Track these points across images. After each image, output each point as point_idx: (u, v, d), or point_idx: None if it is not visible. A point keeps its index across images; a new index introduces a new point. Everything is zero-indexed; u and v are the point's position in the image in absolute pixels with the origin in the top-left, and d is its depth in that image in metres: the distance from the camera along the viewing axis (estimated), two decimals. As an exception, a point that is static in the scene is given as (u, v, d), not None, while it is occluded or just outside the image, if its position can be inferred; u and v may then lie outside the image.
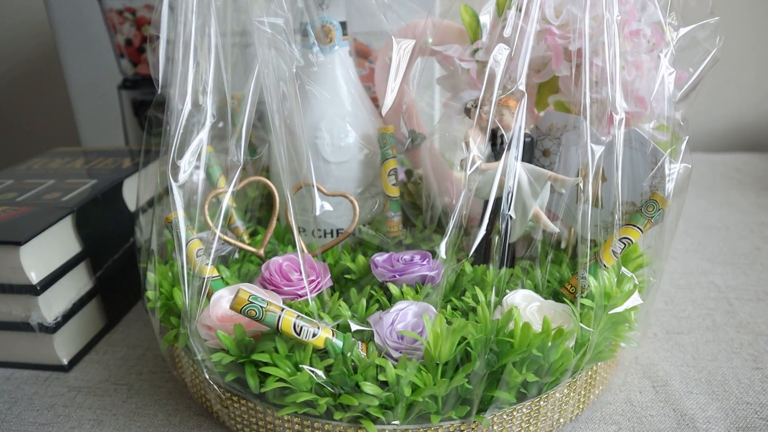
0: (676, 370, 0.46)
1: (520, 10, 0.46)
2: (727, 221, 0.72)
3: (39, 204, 0.51)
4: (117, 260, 0.55)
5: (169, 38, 0.44)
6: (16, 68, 0.98)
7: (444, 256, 0.39)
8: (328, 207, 0.46)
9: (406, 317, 0.40)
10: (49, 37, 0.72)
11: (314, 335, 0.36)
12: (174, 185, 0.39)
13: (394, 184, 0.52)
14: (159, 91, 0.44)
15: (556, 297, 0.44)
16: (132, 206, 0.58)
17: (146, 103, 0.72)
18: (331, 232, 0.54)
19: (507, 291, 0.43)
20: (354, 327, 0.38)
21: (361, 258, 0.49)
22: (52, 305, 0.48)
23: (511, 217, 0.41)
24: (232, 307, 0.35)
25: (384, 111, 0.48)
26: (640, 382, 0.45)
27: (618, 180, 0.42)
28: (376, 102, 0.57)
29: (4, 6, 0.92)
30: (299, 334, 0.36)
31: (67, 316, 0.48)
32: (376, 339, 0.38)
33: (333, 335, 0.37)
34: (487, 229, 0.44)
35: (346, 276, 0.48)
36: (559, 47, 0.46)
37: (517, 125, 0.41)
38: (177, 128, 0.40)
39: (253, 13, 0.44)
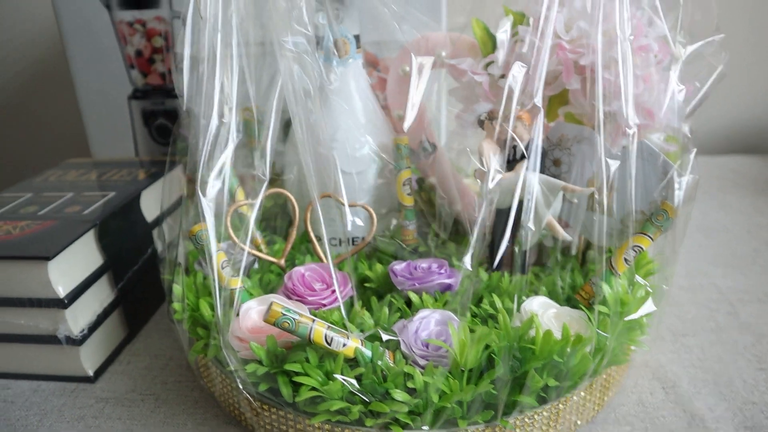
0: (683, 372, 0.48)
1: (536, 27, 0.47)
2: (725, 223, 0.75)
3: (61, 218, 0.52)
4: (137, 271, 0.56)
5: (192, 54, 0.45)
6: (26, 78, 0.98)
7: (469, 268, 0.41)
8: (359, 222, 0.48)
9: (429, 325, 0.41)
10: (59, 48, 0.73)
11: (344, 345, 0.38)
12: (204, 201, 0.40)
13: (408, 194, 0.53)
14: (184, 108, 0.45)
15: (570, 303, 0.46)
16: (149, 217, 0.59)
17: (156, 113, 0.73)
18: (348, 241, 0.56)
19: (523, 298, 0.44)
20: (385, 337, 0.39)
21: (378, 266, 0.50)
22: (78, 318, 0.49)
23: (529, 228, 0.43)
24: (266, 320, 0.36)
25: (406, 126, 0.50)
26: (650, 383, 0.47)
27: (631, 190, 0.44)
28: (386, 111, 0.59)
29: (14, 17, 0.92)
30: (330, 345, 0.37)
31: (92, 328, 0.49)
32: (402, 347, 0.40)
33: (362, 344, 0.38)
34: (501, 238, 0.46)
35: (365, 284, 0.50)
36: (570, 61, 0.47)
37: (535, 138, 0.42)
38: (204, 144, 0.41)
39: (275, 28, 0.45)
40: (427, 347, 0.40)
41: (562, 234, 0.46)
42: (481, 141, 0.49)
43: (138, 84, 0.72)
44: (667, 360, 0.50)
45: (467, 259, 0.40)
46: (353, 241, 0.56)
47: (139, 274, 0.56)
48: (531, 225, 0.43)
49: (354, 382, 0.36)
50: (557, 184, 0.46)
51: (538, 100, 0.42)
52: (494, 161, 0.48)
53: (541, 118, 0.42)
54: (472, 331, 0.40)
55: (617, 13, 0.46)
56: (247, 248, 0.43)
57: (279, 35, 0.45)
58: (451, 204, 0.57)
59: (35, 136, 1.02)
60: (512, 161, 0.48)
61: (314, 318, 0.38)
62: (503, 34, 0.46)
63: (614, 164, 0.41)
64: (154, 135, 0.74)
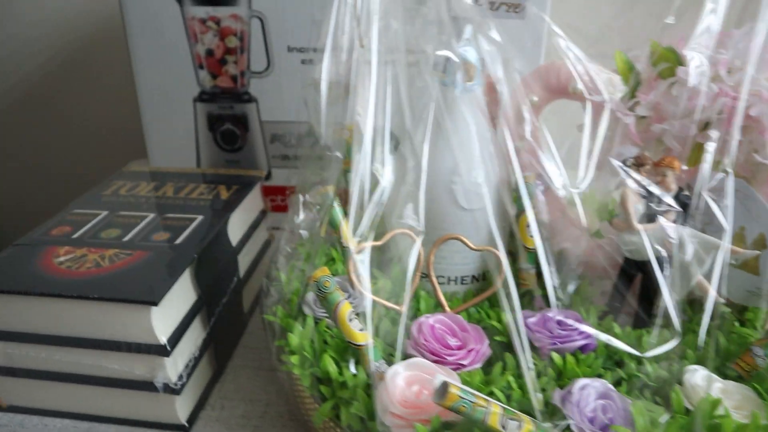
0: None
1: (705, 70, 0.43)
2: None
3: (152, 248, 0.47)
4: (225, 303, 0.51)
5: (331, 80, 0.40)
6: (84, 72, 0.89)
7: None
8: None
9: (589, 398, 0.38)
10: (122, 43, 0.66)
11: (519, 428, 0.34)
12: (356, 258, 0.36)
13: (531, 236, 0.49)
14: (321, 142, 0.40)
15: (719, 371, 0.43)
16: (234, 241, 0.54)
17: (223, 118, 0.67)
18: (455, 279, 0.52)
19: (674, 365, 0.41)
20: (564, 423, 0.36)
21: (504, 316, 0.46)
22: (177, 363, 0.44)
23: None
24: (441, 404, 0.32)
25: (583, 186, 0.46)
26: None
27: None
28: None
29: (77, 7, 0.84)
30: (504, 429, 0.34)
31: (189, 374, 0.45)
32: (573, 427, 0.36)
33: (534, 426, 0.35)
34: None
35: (494, 338, 0.46)
36: (733, 109, 0.44)
37: (728, 213, 0.39)
38: (356, 192, 0.36)
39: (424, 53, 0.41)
40: (593, 422, 0.37)
41: (714, 295, 0.43)
42: (624, 187, 0.46)
43: (206, 85, 0.66)
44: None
45: (659, 352, 0.37)
46: (462, 279, 0.52)
47: (227, 307, 0.52)
48: (719, 297, 0.39)
49: (543, 478, 0.33)
50: (714, 243, 0.43)
51: (729, 165, 0.38)
52: (638, 211, 0.45)
53: (732, 181, 0.38)
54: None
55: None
56: (372, 297, 0.39)
57: (429, 63, 0.40)
58: (559, 243, 0.54)
59: (88, 133, 0.93)
60: (656, 212, 0.45)
61: (488, 399, 0.34)
62: (700, 77, 0.41)
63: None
64: (218, 141, 0.68)
